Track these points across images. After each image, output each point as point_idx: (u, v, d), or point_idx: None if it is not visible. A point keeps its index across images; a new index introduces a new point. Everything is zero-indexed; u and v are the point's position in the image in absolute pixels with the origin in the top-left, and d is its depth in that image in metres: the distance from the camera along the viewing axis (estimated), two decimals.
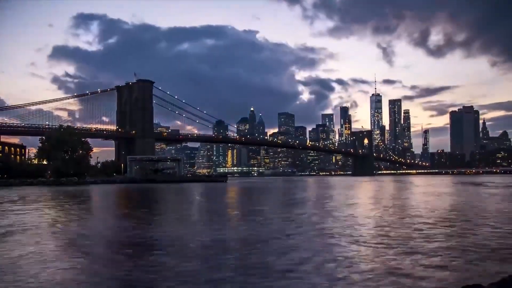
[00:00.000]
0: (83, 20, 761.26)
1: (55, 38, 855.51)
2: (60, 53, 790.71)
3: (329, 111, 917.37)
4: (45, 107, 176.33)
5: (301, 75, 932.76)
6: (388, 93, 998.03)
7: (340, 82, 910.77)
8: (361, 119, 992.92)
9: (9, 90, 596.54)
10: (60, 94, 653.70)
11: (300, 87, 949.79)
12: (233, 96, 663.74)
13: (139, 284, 10.25)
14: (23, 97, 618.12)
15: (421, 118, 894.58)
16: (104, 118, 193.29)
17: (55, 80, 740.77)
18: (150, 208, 34.36)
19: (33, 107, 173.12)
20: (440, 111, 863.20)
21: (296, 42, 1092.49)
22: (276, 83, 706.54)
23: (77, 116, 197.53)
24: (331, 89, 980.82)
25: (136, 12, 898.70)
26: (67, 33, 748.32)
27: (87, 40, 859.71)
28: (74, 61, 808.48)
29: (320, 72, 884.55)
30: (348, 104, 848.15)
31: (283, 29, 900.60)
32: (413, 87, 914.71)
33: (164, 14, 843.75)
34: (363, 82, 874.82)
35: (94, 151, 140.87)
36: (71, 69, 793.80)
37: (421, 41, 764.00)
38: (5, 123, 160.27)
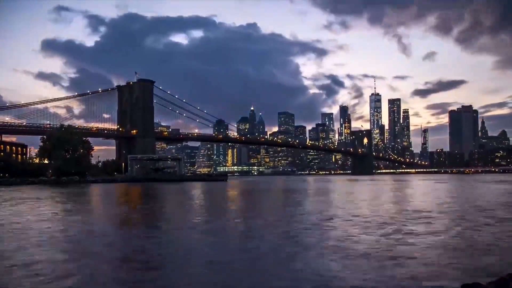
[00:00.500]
0: (69, 12, 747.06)
1: (43, 32, 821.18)
2: (50, 47, 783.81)
3: (336, 107, 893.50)
4: (45, 106, 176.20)
5: (305, 70, 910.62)
6: (400, 88, 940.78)
7: (347, 77, 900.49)
8: (366, 115, 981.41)
9: (4, 86, 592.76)
10: (54, 89, 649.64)
11: (306, 82, 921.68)
12: (234, 92, 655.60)
13: None
14: (18, 93, 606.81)
15: (424, 116, 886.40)
16: (105, 117, 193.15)
17: (47, 75, 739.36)
18: (150, 211, 34.33)
19: (34, 106, 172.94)
20: (444, 110, 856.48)
21: (293, 35, 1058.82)
22: (279, 79, 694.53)
23: (78, 115, 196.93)
24: (340, 85, 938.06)
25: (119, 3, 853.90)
26: (54, 26, 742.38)
27: (76, 33, 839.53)
28: (64, 55, 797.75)
29: (325, 68, 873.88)
30: (356, 100, 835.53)
31: (278, 21, 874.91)
32: (417, 84, 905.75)
33: (149, 4, 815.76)
34: (373, 76, 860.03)
35: (95, 149, 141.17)
36: (61, 63, 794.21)
37: (445, 31, 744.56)
38: (6, 122, 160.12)
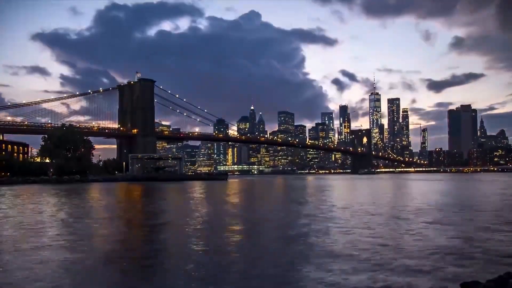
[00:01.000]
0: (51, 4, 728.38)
1: (30, 25, 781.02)
2: (38, 40, 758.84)
3: (344, 101, 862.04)
4: (47, 105, 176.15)
5: (310, 64, 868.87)
6: (414, 81, 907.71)
7: (360, 71, 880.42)
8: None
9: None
10: (47, 83, 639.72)
11: (311, 76, 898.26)
12: (234, 92, 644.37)
13: None
14: (13, 89, 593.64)
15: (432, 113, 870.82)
16: (106, 117, 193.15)
17: (37, 69, 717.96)
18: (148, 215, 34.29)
19: (35, 105, 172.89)
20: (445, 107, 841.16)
21: (288, 25, 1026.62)
22: (281, 73, 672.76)
23: (79, 114, 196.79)
24: (352, 79, 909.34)
25: None
26: (38, 19, 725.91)
27: (64, 25, 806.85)
28: (53, 48, 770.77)
29: (334, 62, 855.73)
30: (367, 96, 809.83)
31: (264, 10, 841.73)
32: (432, 77, 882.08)
33: None
34: (389, 70, 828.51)
35: (96, 147, 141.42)
36: (50, 57, 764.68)
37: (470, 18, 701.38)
38: (8, 121, 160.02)
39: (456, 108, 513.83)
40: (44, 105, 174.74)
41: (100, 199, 44.77)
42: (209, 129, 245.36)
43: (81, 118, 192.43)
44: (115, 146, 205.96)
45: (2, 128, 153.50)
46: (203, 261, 12.74)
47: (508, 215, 23.95)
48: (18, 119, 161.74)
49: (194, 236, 17.81)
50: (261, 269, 11.69)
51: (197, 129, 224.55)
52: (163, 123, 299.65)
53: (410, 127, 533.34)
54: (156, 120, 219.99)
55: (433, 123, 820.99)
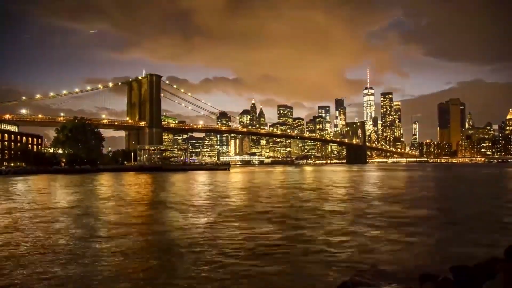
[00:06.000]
0: None
1: None
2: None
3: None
4: (59, 99, 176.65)
5: None
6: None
7: None
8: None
9: None
10: None
11: None
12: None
13: None
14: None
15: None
16: (115, 110, 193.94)
17: None
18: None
19: (49, 100, 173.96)
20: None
21: None
22: None
23: (90, 107, 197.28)
24: None
25: None
26: None
27: None
28: None
29: None
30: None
31: None
32: None
33: None
34: None
35: (106, 135, 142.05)
36: None
37: None
38: (23, 114, 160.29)
39: (446, 101, 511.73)
40: (57, 100, 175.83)
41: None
42: (213, 122, 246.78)
43: (92, 111, 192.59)
44: (123, 135, 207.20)
45: (18, 120, 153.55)
46: None
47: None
48: (33, 113, 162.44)
49: None
50: None
51: (201, 122, 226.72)
52: (169, 115, 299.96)
53: (403, 119, 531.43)
54: (162, 113, 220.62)
55: (424, 115, 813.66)
